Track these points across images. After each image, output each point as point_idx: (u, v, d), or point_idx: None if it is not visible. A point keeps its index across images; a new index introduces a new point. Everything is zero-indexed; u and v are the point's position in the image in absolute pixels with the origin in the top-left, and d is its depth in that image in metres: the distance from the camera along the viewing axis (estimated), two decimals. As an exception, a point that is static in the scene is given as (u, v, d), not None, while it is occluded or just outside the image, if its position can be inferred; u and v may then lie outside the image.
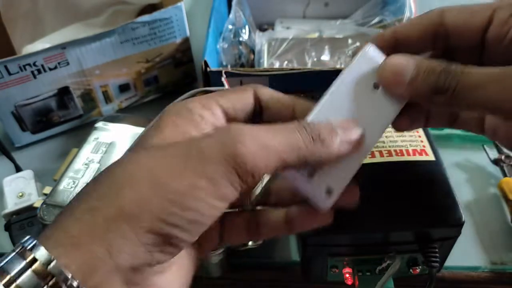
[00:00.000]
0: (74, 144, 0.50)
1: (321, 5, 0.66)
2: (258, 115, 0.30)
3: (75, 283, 0.21)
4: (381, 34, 0.31)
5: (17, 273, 0.21)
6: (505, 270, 0.43)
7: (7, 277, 0.21)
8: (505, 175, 0.49)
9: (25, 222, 0.45)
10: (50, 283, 0.21)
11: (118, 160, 0.25)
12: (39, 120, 0.55)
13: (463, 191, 0.49)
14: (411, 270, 0.37)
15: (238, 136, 0.24)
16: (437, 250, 0.35)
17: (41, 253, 0.21)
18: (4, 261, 0.22)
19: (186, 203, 0.23)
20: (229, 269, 0.43)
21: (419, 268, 0.37)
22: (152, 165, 0.23)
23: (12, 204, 0.46)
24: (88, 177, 0.42)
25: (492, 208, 0.47)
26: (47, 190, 0.46)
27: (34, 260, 0.21)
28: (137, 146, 0.26)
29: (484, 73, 0.26)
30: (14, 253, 0.22)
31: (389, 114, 0.29)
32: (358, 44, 0.58)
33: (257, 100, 0.30)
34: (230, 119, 0.29)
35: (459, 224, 0.34)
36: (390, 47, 0.30)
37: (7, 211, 0.45)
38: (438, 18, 0.30)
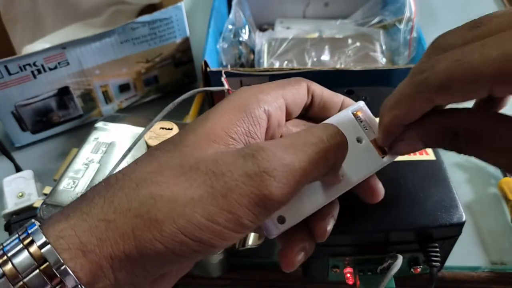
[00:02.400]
0: (74, 144, 0.50)
1: (321, 5, 0.66)
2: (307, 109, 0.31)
3: None
4: None
5: (25, 269, 0.21)
6: (505, 270, 0.43)
7: (14, 272, 0.21)
8: (505, 175, 0.49)
9: (24, 222, 0.44)
10: (57, 286, 0.21)
11: (146, 169, 0.24)
12: (39, 120, 0.54)
13: (463, 191, 0.49)
14: (412, 270, 0.37)
15: (269, 165, 0.23)
16: (438, 249, 0.35)
17: (51, 254, 0.21)
18: (12, 252, 0.22)
19: (198, 236, 0.22)
20: (229, 269, 0.43)
21: (420, 267, 0.37)
22: (175, 193, 0.23)
23: (12, 204, 0.46)
24: (88, 177, 0.42)
25: (492, 208, 0.47)
26: (47, 190, 0.46)
27: (44, 260, 0.21)
28: (178, 150, 0.25)
29: None
30: (21, 244, 0.22)
31: (365, 170, 0.30)
32: (358, 44, 0.58)
33: (311, 94, 0.30)
34: (288, 113, 0.29)
35: (460, 224, 0.34)
36: None
37: (7, 211, 0.45)
38: None
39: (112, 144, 0.45)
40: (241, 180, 0.23)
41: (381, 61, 0.56)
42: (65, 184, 0.42)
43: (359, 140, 0.30)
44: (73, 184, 0.42)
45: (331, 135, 0.25)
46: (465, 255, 0.43)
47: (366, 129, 0.30)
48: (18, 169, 0.51)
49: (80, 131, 0.57)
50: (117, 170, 0.40)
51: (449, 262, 0.39)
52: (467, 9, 0.74)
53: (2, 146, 0.52)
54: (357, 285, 0.37)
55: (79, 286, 0.21)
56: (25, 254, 0.22)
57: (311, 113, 0.31)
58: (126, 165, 0.42)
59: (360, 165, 0.30)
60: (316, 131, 0.26)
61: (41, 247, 0.22)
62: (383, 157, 0.30)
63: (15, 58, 0.48)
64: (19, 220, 0.45)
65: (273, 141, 0.26)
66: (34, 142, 0.56)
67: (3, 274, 0.21)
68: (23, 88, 0.51)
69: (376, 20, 0.61)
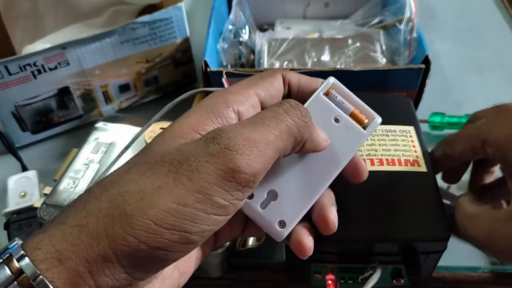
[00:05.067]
0: (74, 144, 0.50)
1: (321, 6, 0.66)
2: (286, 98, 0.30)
3: None
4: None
5: (2, 283, 0.21)
6: (505, 271, 0.43)
7: None
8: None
9: (23, 223, 0.45)
10: None
11: (116, 173, 0.25)
12: (39, 120, 0.55)
13: (463, 191, 0.48)
14: (394, 281, 0.37)
15: (229, 142, 0.23)
16: (419, 263, 0.34)
17: (28, 266, 0.21)
18: None
19: (171, 223, 0.22)
20: (229, 269, 0.43)
21: (402, 279, 0.37)
22: (143, 186, 0.23)
23: (13, 203, 0.46)
24: (88, 177, 0.42)
25: (492, 208, 0.47)
26: (47, 190, 0.46)
27: (21, 272, 0.21)
28: (145, 150, 0.25)
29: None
30: (1, 259, 0.22)
31: (351, 147, 0.30)
32: (358, 44, 0.58)
33: (287, 84, 0.30)
34: (265, 108, 0.29)
35: (444, 239, 0.33)
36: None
37: (8, 209, 0.46)
38: (479, 141, 0.34)
39: (112, 144, 0.45)
40: (204, 160, 0.23)
41: (381, 62, 0.56)
42: (65, 184, 0.42)
43: (337, 120, 0.30)
44: (73, 184, 0.42)
45: (287, 108, 0.26)
46: (465, 255, 0.43)
47: (342, 103, 0.30)
48: (24, 168, 0.52)
49: (80, 131, 0.57)
50: (114, 168, 0.40)
51: (449, 262, 0.39)
52: (467, 10, 0.74)
53: (10, 146, 0.53)
54: (337, 292, 0.37)
55: None
56: (5, 269, 0.21)
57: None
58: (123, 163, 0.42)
59: (345, 144, 0.29)
60: (272, 108, 0.26)
61: (18, 260, 0.21)
62: (364, 129, 0.30)
63: (15, 58, 0.48)
64: (18, 220, 0.45)
65: (232, 123, 0.26)
66: (34, 142, 0.56)
67: None
68: (23, 88, 0.51)
69: (376, 20, 0.61)
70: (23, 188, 0.47)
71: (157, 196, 0.22)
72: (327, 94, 0.30)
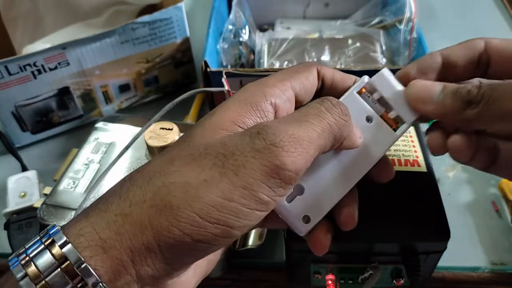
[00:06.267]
0: (74, 144, 0.50)
1: (321, 6, 0.66)
2: (318, 93, 0.30)
3: (101, 286, 0.21)
4: (428, 54, 0.31)
5: (46, 269, 0.21)
6: (505, 271, 0.43)
7: (36, 272, 0.21)
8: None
9: (23, 223, 0.45)
10: (79, 285, 0.21)
11: (158, 163, 0.24)
12: (39, 120, 0.55)
13: (463, 191, 0.49)
14: (394, 281, 0.37)
15: (275, 138, 0.23)
16: (419, 263, 0.34)
17: (72, 253, 0.21)
18: (33, 252, 0.22)
19: (215, 217, 0.22)
20: (229, 269, 0.43)
21: (402, 279, 0.37)
22: (188, 178, 0.23)
23: (13, 203, 0.46)
24: (88, 177, 0.42)
25: (492, 208, 0.47)
26: (47, 190, 0.46)
27: (65, 258, 0.21)
28: (186, 141, 0.25)
29: None
30: (42, 245, 0.22)
31: (380, 148, 0.29)
32: (358, 44, 0.58)
33: (321, 79, 0.30)
34: (298, 101, 0.29)
35: (445, 239, 0.33)
36: (436, 70, 0.31)
37: (8, 210, 0.46)
38: (481, 46, 0.31)
39: (112, 145, 0.45)
40: (250, 155, 0.23)
41: (381, 62, 0.56)
42: (65, 184, 0.42)
43: (369, 119, 0.30)
44: (73, 184, 0.42)
45: (329, 106, 0.26)
46: (465, 255, 0.43)
47: (374, 103, 0.30)
48: (24, 168, 0.52)
49: (80, 131, 0.57)
50: (114, 168, 0.40)
51: (449, 263, 0.39)
52: (467, 10, 0.74)
53: (9, 146, 0.53)
54: (338, 292, 0.37)
55: (101, 284, 0.21)
56: (47, 254, 0.21)
57: (326, 94, 0.31)
58: (123, 163, 0.43)
59: (375, 144, 0.29)
60: (314, 105, 0.26)
61: (61, 246, 0.21)
62: (395, 130, 0.30)
63: (15, 58, 0.48)
64: (18, 220, 0.45)
65: (275, 119, 0.26)
66: (34, 142, 0.56)
67: (26, 274, 0.21)
68: (23, 88, 0.51)
69: (376, 20, 0.61)
70: (23, 188, 0.47)
71: (203, 189, 0.22)
72: (360, 92, 0.30)
